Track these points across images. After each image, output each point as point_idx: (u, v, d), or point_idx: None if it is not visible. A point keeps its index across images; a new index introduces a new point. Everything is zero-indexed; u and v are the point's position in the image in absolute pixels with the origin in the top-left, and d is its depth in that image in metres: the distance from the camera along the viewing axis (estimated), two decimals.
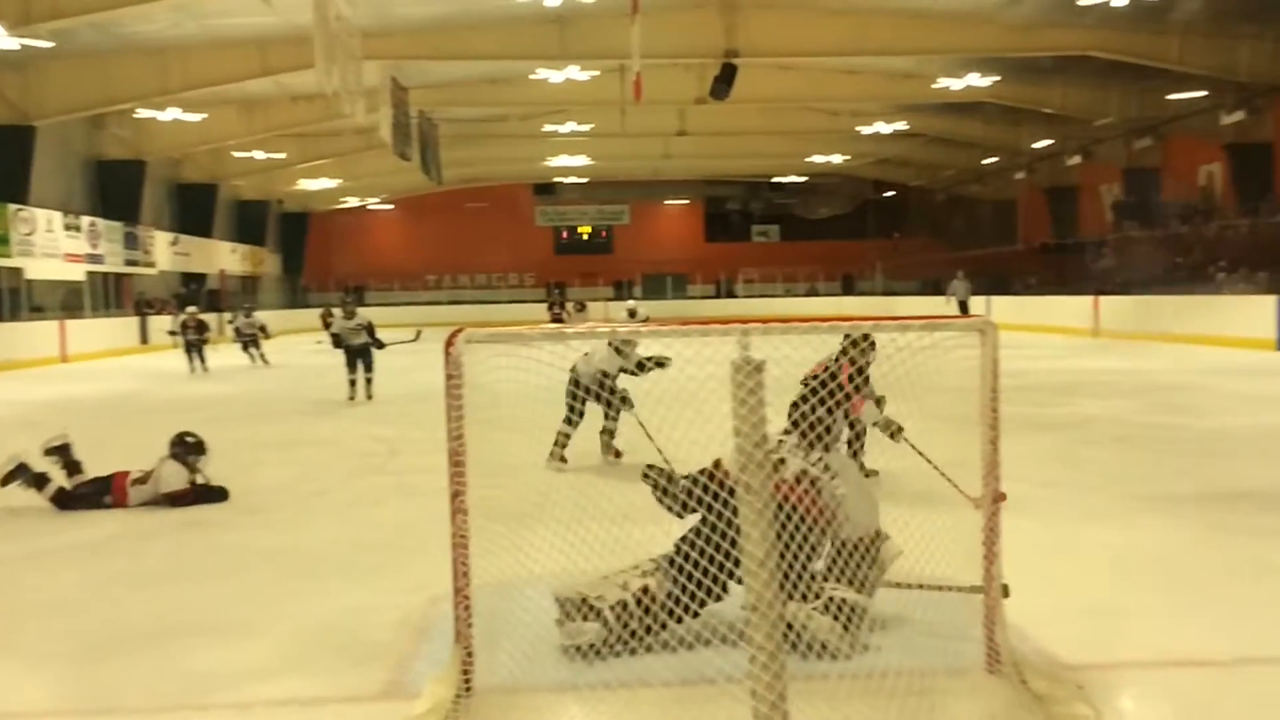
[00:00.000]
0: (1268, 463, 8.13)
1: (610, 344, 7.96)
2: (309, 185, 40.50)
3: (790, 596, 3.87)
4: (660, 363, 7.52)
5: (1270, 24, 22.67)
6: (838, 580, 4.00)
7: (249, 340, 21.43)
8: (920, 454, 6.31)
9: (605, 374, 7.99)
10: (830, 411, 4.16)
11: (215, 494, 7.22)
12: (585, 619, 3.94)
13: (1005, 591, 4.09)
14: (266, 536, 6.40)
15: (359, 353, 13.55)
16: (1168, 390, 13.28)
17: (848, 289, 47.93)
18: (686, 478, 4.17)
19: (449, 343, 3.62)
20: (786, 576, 3.71)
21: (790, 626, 3.86)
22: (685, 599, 3.86)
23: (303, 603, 4.97)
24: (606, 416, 8.19)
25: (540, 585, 4.01)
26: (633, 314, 18.96)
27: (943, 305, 29.70)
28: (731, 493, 3.95)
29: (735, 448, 3.11)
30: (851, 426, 6.96)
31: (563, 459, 7.96)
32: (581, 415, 8.15)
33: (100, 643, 4.46)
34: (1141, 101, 28.34)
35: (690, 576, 3.81)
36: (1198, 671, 3.89)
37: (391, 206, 49.48)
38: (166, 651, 4.31)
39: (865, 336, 6.92)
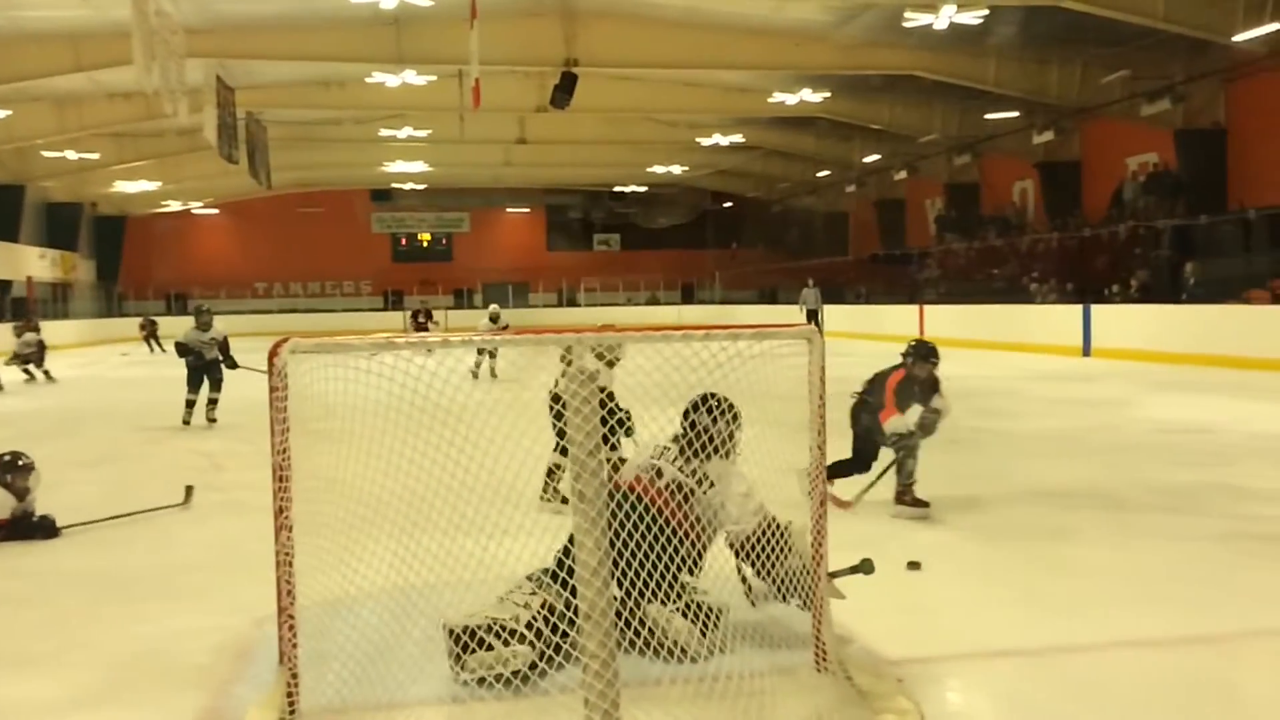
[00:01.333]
0: (1071, 462, 8.66)
1: (601, 356, 6.33)
2: (126, 187, 38.41)
3: (663, 601, 3.90)
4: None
5: (1077, 50, 24.29)
6: (774, 581, 4.02)
7: (28, 359, 19.34)
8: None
9: (602, 392, 6.20)
10: (715, 422, 4.12)
11: (40, 528, 6.45)
12: (505, 644, 3.77)
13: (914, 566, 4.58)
14: (76, 559, 6.01)
15: (206, 369, 11.86)
16: (984, 395, 13.99)
17: (687, 298, 48.75)
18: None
19: (273, 352, 3.49)
20: (658, 583, 3.74)
21: (651, 630, 3.87)
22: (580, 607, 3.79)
23: (116, 628, 4.70)
24: (609, 445, 6.22)
25: (370, 602, 3.90)
26: (495, 319, 18.18)
27: (795, 313, 30.50)
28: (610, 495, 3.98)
29: (570, 459, 3.10)
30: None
31: (561, 497, 6.65)
32: None
33: None
34: (962, 120, 29.86)
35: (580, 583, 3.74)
36: (1007, 661, 4.11)
37: (216, 211, 47.48)
38: None
39: (926, 345, 7.00)
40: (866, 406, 6.90)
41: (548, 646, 3.80)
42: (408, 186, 46.76)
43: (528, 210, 52.15)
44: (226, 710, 3.69)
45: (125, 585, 5.43)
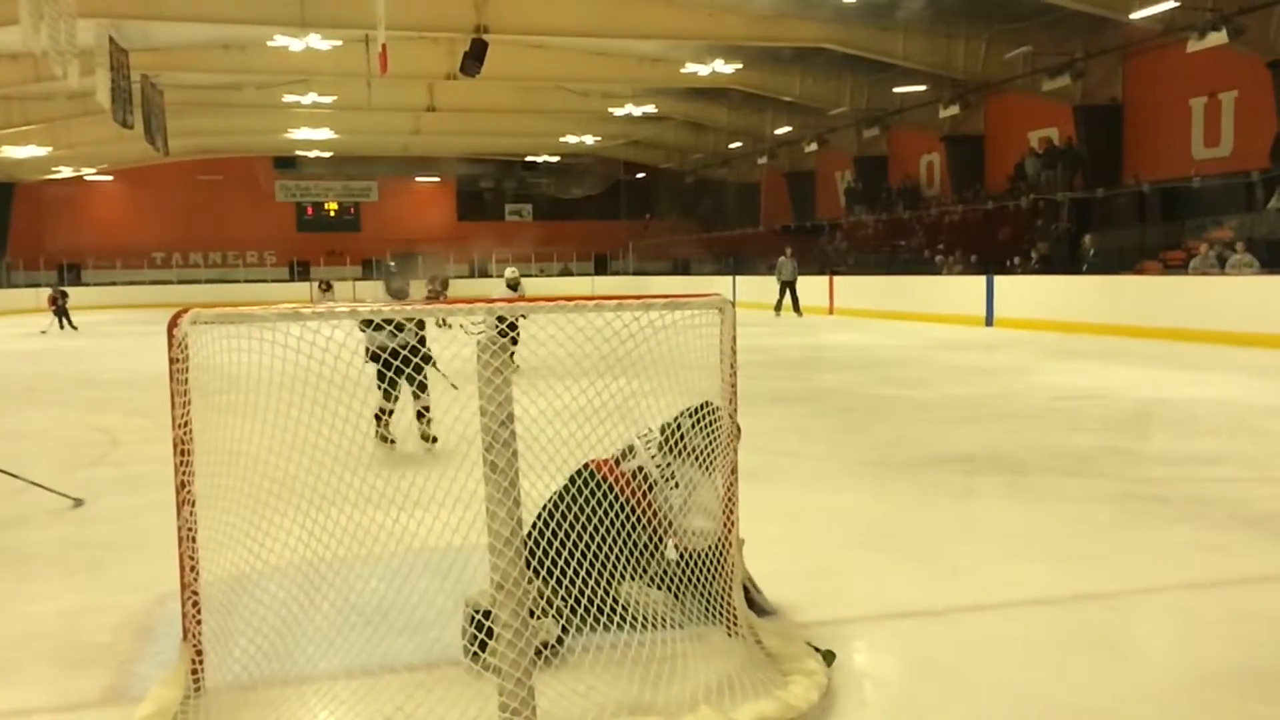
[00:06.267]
0: (975, 428, 8.90)
1: None
2: (14, 153, 36.72)
3: (628, 578, 3.87)
4: None
5: (982, 25, 24.80)
6: (702, 599, 3.91)
7: None
8: None
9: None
10: (695, 430, 4.03)
11: None
12: (532, 616, 3.63)
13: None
14: None
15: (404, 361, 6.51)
16: (892, 364, 14.29)
17: (600, 269, 48.63)
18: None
19: (172, 323, 3.38)
20: (626, 562, 3.74)
21: (626, 607, 3.84)
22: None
23: (9, 608, 4.53)
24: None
25: (277, 576, 3.82)
26: (513, 286, 15.04)
27: (707, 284, 30.60)
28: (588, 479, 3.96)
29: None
30: None
31: None
32: None
33: None
34: (871, 93, 30.26)
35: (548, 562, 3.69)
36: (913, 621, 4.21)
37: (111, 178, 45.75)
38: None
39: None
40: None
41: (572, 615, 3.73)
42: (313, 154, 45.64)
43: (438, 180, 51.39)
44: (128, 689, 3.60)
45: (17, 565, 5.23)
